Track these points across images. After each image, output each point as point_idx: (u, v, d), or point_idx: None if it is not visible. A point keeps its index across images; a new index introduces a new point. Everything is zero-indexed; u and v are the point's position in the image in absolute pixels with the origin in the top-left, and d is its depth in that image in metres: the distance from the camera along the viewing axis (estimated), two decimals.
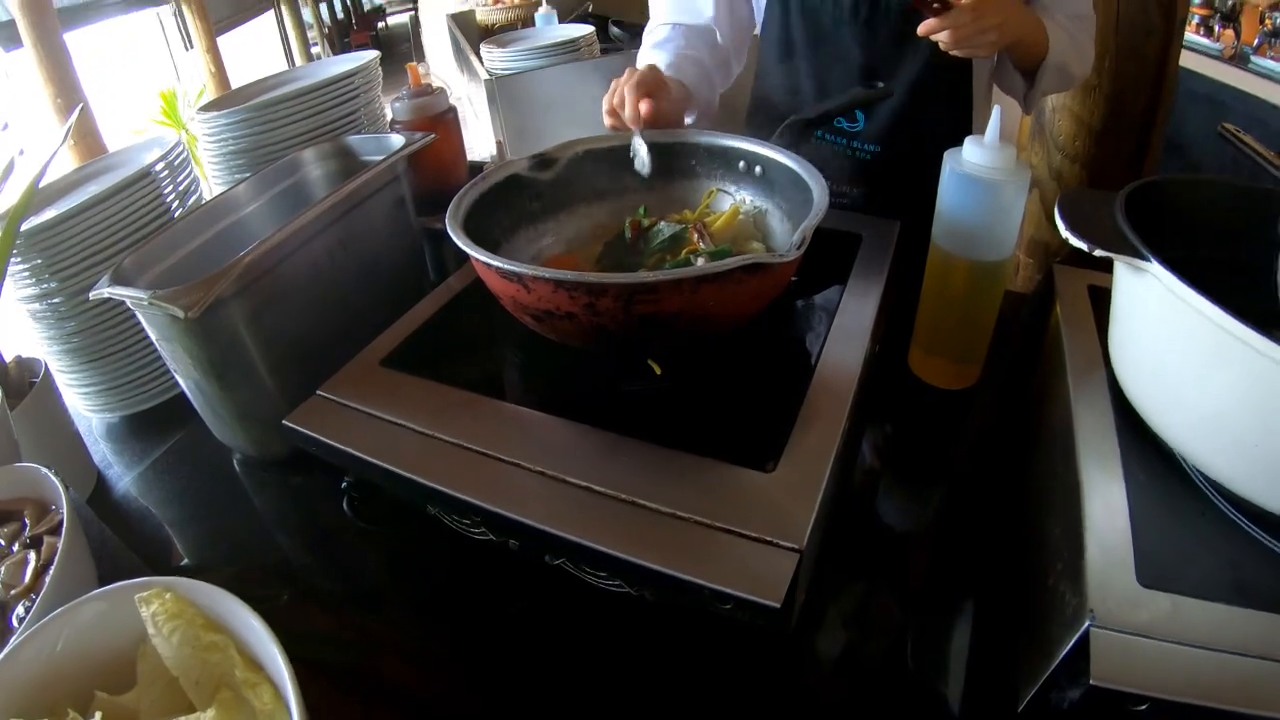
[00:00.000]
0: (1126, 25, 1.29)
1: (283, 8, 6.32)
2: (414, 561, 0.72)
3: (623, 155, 0.84)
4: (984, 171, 0.69)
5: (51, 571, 0.53)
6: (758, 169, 0.81)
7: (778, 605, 0.47)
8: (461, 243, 0.63)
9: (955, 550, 0.68)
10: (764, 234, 0.81)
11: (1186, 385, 0.53)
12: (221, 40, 4.62)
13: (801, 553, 0.50)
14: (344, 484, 0.71)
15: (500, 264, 0.58)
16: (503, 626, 0.65)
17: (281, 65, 6.27)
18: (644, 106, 0.82)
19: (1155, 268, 0.52)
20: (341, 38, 8.23)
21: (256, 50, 5.83)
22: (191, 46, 4.41)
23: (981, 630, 0.62)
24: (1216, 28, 2.73)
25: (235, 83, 4.56)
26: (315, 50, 7.10)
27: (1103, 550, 0.50)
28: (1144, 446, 0.58)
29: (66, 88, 3.11)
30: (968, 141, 0.71)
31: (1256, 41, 2.60)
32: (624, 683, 0.60)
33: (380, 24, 9.59)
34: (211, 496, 0.86)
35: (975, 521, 0.71)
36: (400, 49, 7.87)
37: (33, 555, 0.57)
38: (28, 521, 0.60)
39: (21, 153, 0.92)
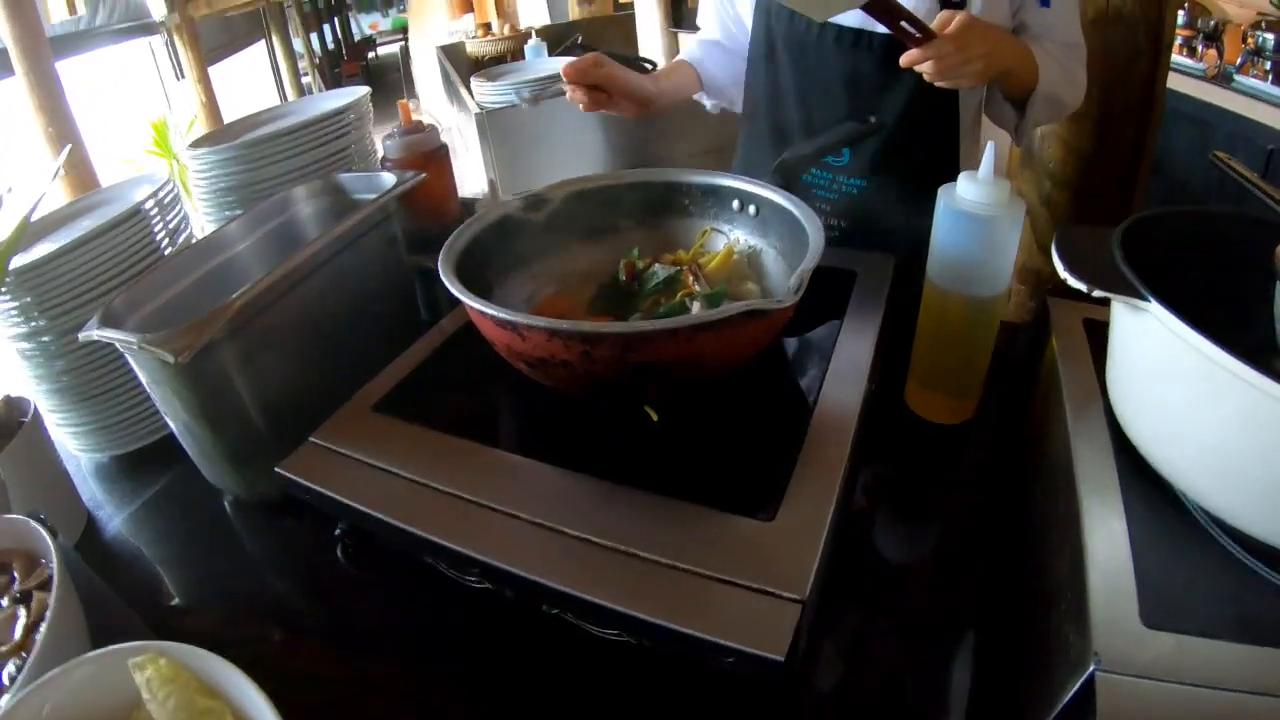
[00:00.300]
0: (1114, 51, 1.31)
1: (274, 38, 6.35)
2: (407, 606, 0.71)
3: (615, 195, 0.84)
4: (978, 208, 0.69)
5: (43, 630, 0.51)
6: (751, 208, 0.81)
7: (781, 659, 0.46)
8: (455, 289, 0.62)
9: (954, 587, 0.68)
10: (758, 273, 0.81)
11: (1186, 420, 0.53)
12: (213, 70, 4.63)
13: (804, 603, 0.49)
14: (337, 530, 0.69)
15: (495, 312, 0.58)
16: (497, 671, 0.63)
17: (272, 95, 6.30)
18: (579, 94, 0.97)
19: (1154, 307, 0.52)
20: (332, 68, 8.28)
21: (248, 80, 5.84)
22: (183, 76, 4.42)
23: (982, 668, 0.61)
24: (1199, 48, 2.78)
25: (227, 112, 4.58)
26: (306, 80, 7.13)
27: (1106, 590, 0.49)
28: (1144, 481, 0.57)
29: (58, 117, 3.11)
30: (962, 177, 0.71)
31: (1239, 60, 2.64)
32: None
33: (370, 54, 9.66)
34: (202, 538, 0.85)
35: (974, 558, 0.70)
36: (390, 79, 7.94)
37: (22, 611, 0.56)
38: (16, 575, 0.59)
39: (10, 190, 0.91)
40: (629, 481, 0.59)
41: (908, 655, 0.63)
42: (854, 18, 0.96)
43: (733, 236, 0.84)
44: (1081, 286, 0.55)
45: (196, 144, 1.13)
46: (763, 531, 0.54)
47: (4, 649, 0.53)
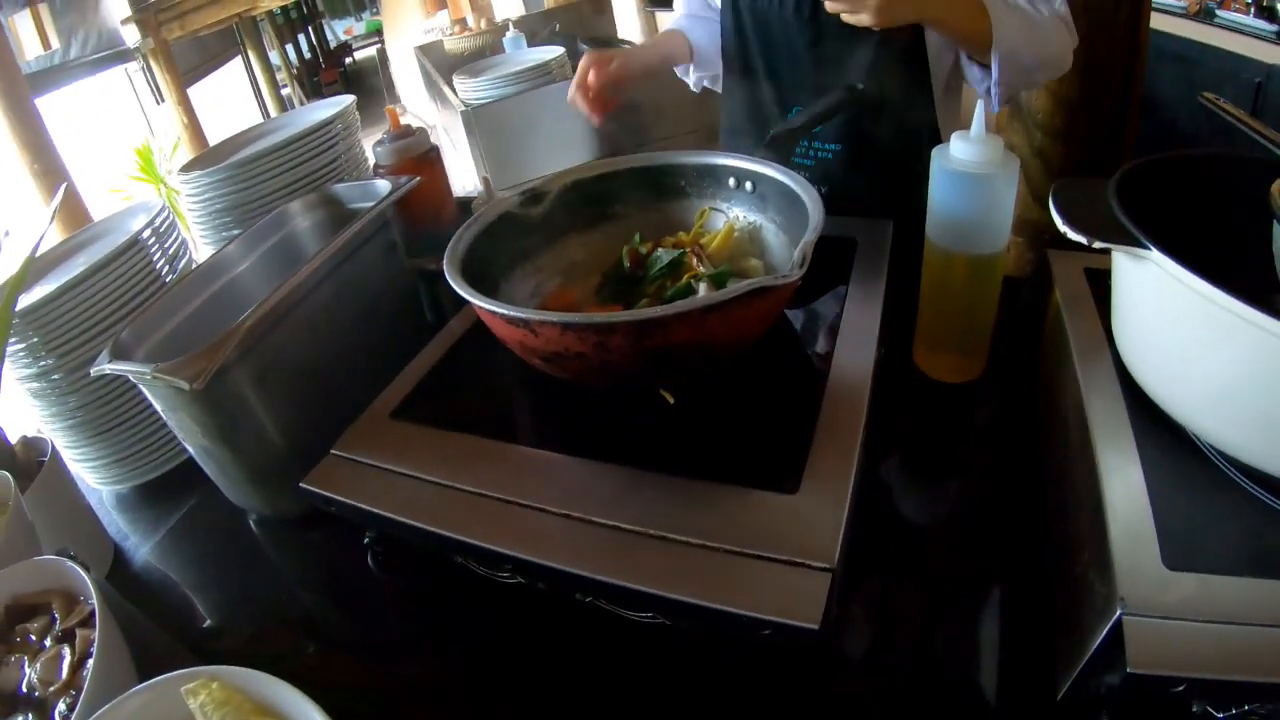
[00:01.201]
0: None
1: (250, 53, 6.32)
2: (441, 608, 0.72)
3: (611, 182, 0.84)
4: (973, 166, 0.69)
5: (90, 666, 0.52)
6: (748, 184, 0.81)
7: (816, 627, 0.47)
8: (464, 291, 0.63)
9: (977, 544, 0.68)
10: (760, 249, 0.82)
11: (1194, 364, 0.54)
12: (192, 91, 4.62)
13: (834, 571, 0.50)
14: (366, 539, 0.70)
15: (506, 310, 0.58)
16: (534, 669, 0.64)
17: (253, 110, 6.26)
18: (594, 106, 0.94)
19: (1155, 255, 0.52)
20: (310, 77, 8.23)
21: (228, 97, 5.82)
22: (162, 100, 4.41)
23: (1010, 621, 0.62)
24: None
25: (209, 132, 4.56)
26: (286, 92, 7.10)
27: (1127, 535, 0.50)
28: (1156, 426, 0.58)
29: (43, 153, 3.11)
30: (954, 137, 0.71)
31: None
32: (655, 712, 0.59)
33: (348, 59, 9.58)
34: (230, 559, 0.86)
35: (994, 512, 0.71)
36: (370, 83, 7.88)
37: (67, 649, 0.57)
38: (56, 615, 0.60)
39: (7, 234, 0.91)
40: (651, 466, 0.60)
41: (935, 614, 0.63)
42: None
43: (732, 214, 0.84)
44: (1082, 240, 0.56)
45: (187, 168, 1.14)
46: (787, 504, 0.55)
47: (53, 688, 0.54)
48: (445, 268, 0.66)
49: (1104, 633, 0.46)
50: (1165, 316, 0.55)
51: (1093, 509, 0.53)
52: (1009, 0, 0.91)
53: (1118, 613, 0.46)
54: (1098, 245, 0.55)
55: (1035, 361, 0.82)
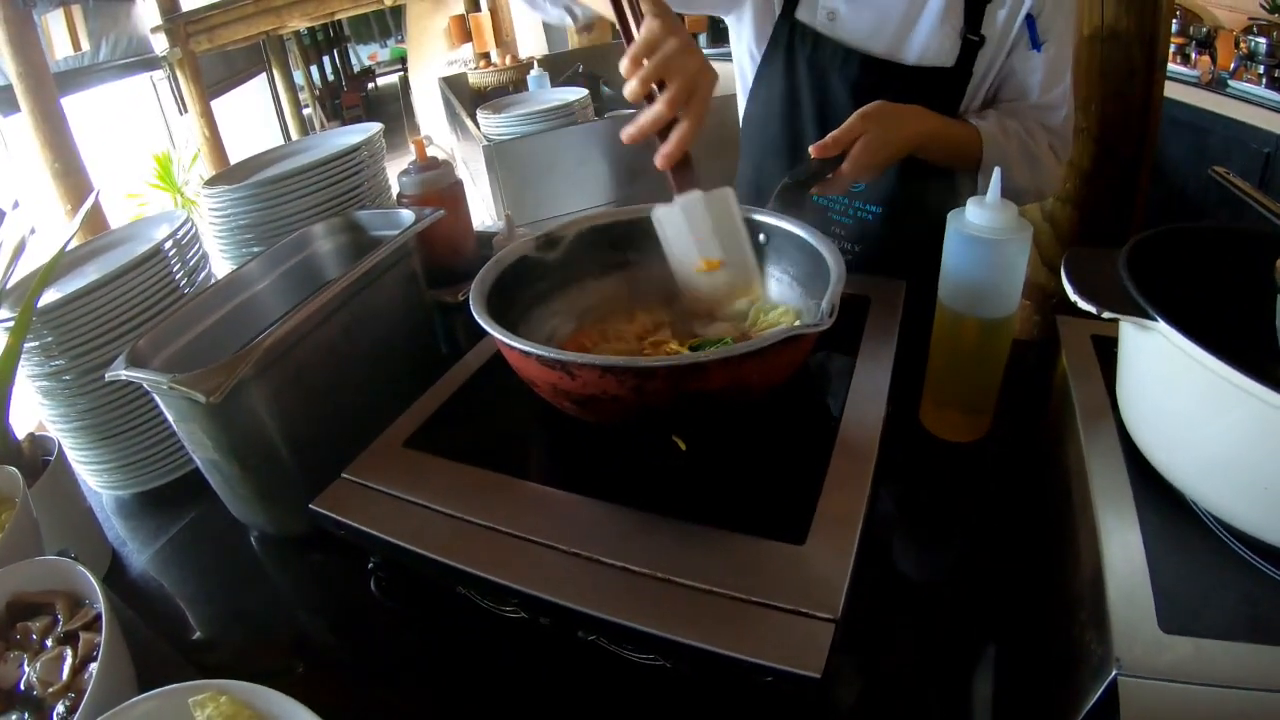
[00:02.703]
0: (1110, 69, 1.34)
1: (274, 70, 6.44)
2: (439, 636, 0.72)
3: (626, 229, 0.85)
4: (987, 232, 0.71)
5: (94, 670, 0.52)
6: (761, 236, 0.82)
7: (818, 676, 0.48)
8: (502, 336, 0.63)
9: (975, 600, 0.69)
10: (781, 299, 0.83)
11: (1194, 431, 0.56)
12: (215, 104, 4.69)
13: (837, 622, 0.51)
14: (370, 564, 0.70)
15: (543, 353, 0.60)
16: (527, 702, 0.65)
17: (274, 127, 6.36)
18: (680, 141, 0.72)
19: (1161, 325, 0.54)
20: (332, 99, 8.37)
21: (249, 112, 5.91)
22: (185, 110, 4.48)
23: (1005, 678, 0.62)
24: (1193, 54, 2.81)
25: (230, 145, 4.63)
26: (307, 112, 7.22)
27: (1124, 598, 0.51)
28: (1156, 491, 0.59)
29: (64, 153, 3.16)
30: (970, 203, 0.73)
31: (1233, 66, 2.66)
32: None
33: (370, 84, 9.76)
34: (229, 573, 0.86)
35: (994, 569, 0.71)
36: (390, 109, 8.02)
37: (69, 651, 0.57)
38: (60, 616, 0.60)
39: (33, 231, 0.93)
40: (662, 510, 0.61)
41: (931, 667, 0.64)
42: (882, 45, 0.99)
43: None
44: (1092, 309, 0.58)
45: (211, 183, 1.16)
46: (794, 555, 0.55)
47: (53, 689, 0.54)
48: (475, 311, 0.67)
49: (1100, 692, 0.47)
50: (1168, 385, 0.57)
51: (1092, 570, 0.55)
52: (1007, 129, 0.98)
53: (1113, 673, 0.47)
54: (1106, 315, 0.57)
55: (1040, 423, 0.83)
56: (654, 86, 0.71)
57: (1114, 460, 0.62)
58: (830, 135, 0.84)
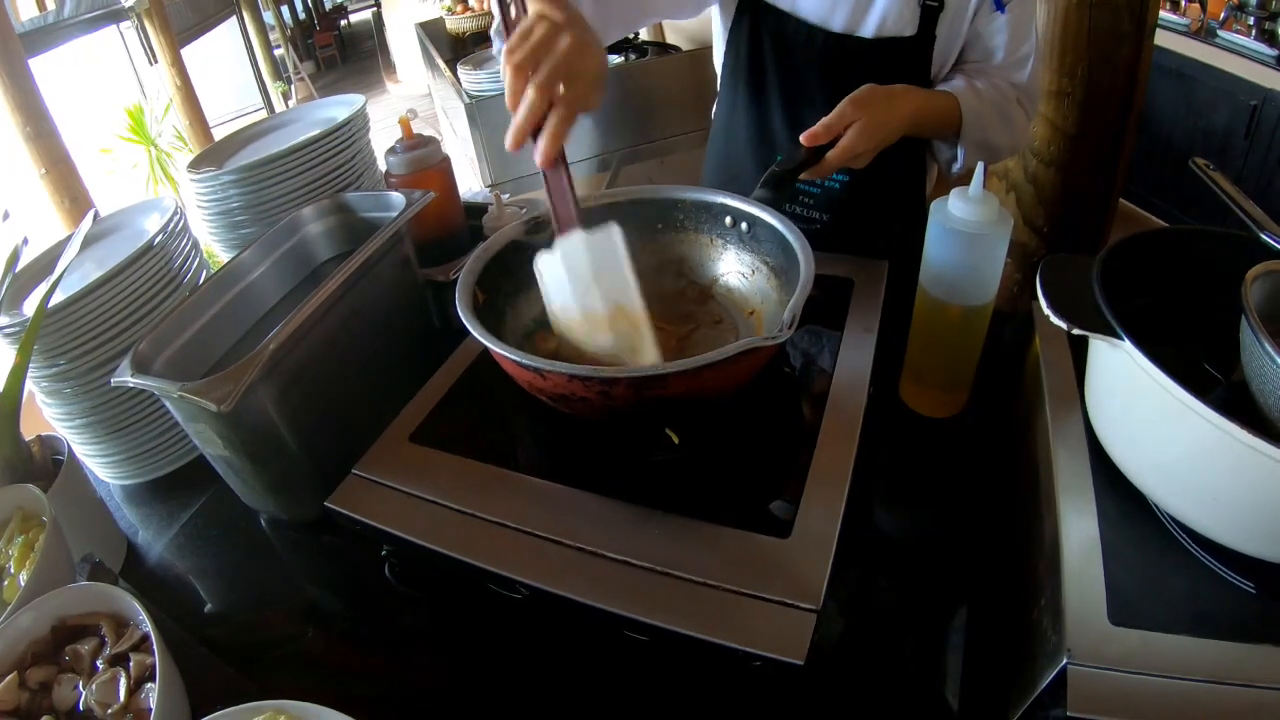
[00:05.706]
0: (1099, 34, 1.33)
1: (244, 12, 6.22)
2: (446, 608, 0.77)
3: (612, 213, 0.86)
4: (969, 226, 0.73)
5: (154, 691, 0.55)
6: (743, 225, 0.84)
7: (801, 662, 0.53)
8: (482, 336, 0.66)
9: (950, 574, 0.74)
10: (758, 293, 0.85)
11: (1151, 438, 0.59)
12: (185, 51, 4.55)
13: (819, 613, 0.55)
14: (384, 550, 0.74)
15: (518, 358, 0.63)
16: (532, 671, 0.70)
17: (246, 73, 6.16)
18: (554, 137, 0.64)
19: (1127, 345, 0.57)
20: (305, 39, 8.10)
21: (221, 58, 5.74)
22: (156, 61, 4.35)
23: (975, 643, 0.68)
24: (1183, 2, 2.77)
25: (202, 93, 4.50)
26: (279, 53, 6.99)
27: (1078, 590, 0.55)
28: (1115, 486, 0.63)
29: (34, 115, 3.07)
30: (953, 194, 0.74)
31: (1223, 15, 2.62)
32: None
33: (342, 22, 9.43)
34: (246, 557, 0.89)
35: (968, 544, 0.76)
36: (364, 47, 7.76)
37: (121, 673, 0.59)
38: (107, 638, 0.62)
39: (26, 242, 0.93)
40: (660, 505, 0.65)
41: (908, 633, 0.70)
42: (841, 19, 0.99)
43: (725, 252, 0.88)
44: (1063, 325, 0.61)
45: (196, 164, 1.15)
46: (779, 548, 0.60)
47: (112, 710, 0.57)
48: (459, 308, 0.70)
49: (1050, 678, 0.52)
50: (1131, 395, 0.60)
51: (1051, 558, 0.59)
52: (980, 92, 0.99)
53: (1064, 662, 0.51)
54: (1076, 331, 0.60)
55: (1014, 400, 0.86)
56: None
57: (1078, 453, 0.66)
58: (821, 123, 0.84)
